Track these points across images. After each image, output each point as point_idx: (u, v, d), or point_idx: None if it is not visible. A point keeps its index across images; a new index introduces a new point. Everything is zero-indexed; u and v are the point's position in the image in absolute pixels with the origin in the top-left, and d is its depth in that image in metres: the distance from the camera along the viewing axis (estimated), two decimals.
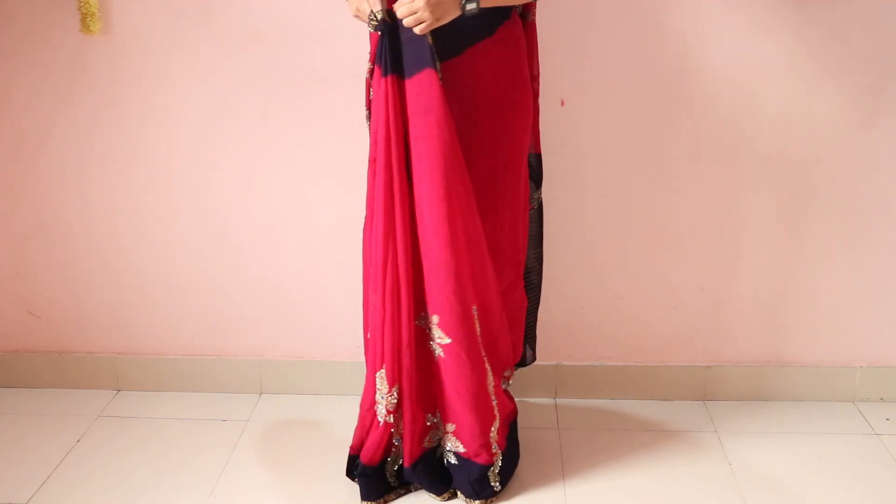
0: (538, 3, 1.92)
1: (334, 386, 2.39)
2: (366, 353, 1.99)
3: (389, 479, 1.99)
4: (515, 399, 2.27)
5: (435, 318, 1.84)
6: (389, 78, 1.74)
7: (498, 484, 1.96)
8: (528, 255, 2.09)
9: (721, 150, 2.21)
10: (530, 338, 2.19)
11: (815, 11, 2.09)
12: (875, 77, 2.13)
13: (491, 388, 1.92)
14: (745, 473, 2.07)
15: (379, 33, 1.73)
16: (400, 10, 1.67)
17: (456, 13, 1.68)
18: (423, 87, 1.74)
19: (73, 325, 2.45)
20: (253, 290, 2.38)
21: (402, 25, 1.69)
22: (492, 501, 1.96)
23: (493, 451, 1.95)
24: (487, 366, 1.91)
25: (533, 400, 2.39)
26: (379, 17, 1.71)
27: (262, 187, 2.29)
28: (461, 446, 1.93)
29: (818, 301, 2.32)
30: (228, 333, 2.42)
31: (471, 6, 1.68)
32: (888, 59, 2.12)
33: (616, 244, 2.30)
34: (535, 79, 1.96)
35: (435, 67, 1.72)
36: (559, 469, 2.09)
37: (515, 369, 2.19)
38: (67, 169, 2.31)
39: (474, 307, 1.86)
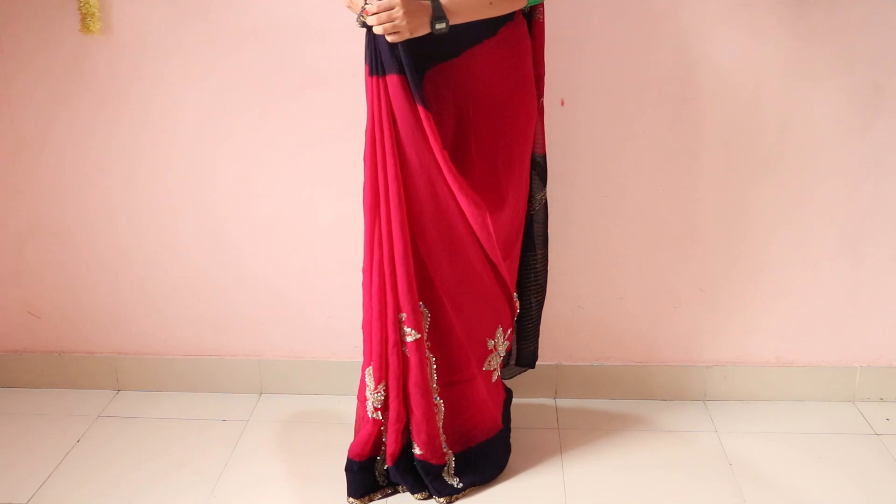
0: (545, 3, 1.91)
1: (334, 386, 2.39)
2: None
3: (378, 479, 2.01)
4: (515, 399, 2.28)
5: (402, 317, 1.87)
6: (375, 78, 1.74)
7: (458, 481, 1.98)
8: (535, 257, 2.08)
9: (721, 150, 2.21)
10: (534, 338, 2.18)
11: (815, 11, 2.08)
12: (875, 77, 2.13)
13: (435, 388, 1.94)
14: (745, 473, 2.07)
15: (365, 29, 1.72)
16: (372, 17, 1.65)
17: (426, 30, 1.68)
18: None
19: (73, 325, 2.45)
20: (253, 290, 2.38)
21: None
22: (456, 498, 1.98)
23: (444, 451, 1.98)
24: (432, 365, 1.93)
25: (533, 400, 2.39)
26: (364, 10, 1.69)
27: (261, 187, 2.29)
28: (418, 448, 1.96)
29: (818, 301, 2.32)
30: (228, 333, 2.42)
31: (440, 26, 1.68)
32: (888, 59, 2.12)
33: (616, 244, 2.30)
34: (539, 78, 1.95)
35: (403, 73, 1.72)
36: (559, 469, 2.09)
37: (520, 368, 2.20)
38: (67, 169, 2.31)
39: (420, 303, 1.88)
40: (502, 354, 2.06)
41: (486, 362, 2.01)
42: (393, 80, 1.73)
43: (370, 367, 1.93)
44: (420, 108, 1.74)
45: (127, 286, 2.40)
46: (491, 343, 2.00)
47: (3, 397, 2.44)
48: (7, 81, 2.25)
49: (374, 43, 1.72)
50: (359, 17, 1.70)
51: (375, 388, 1.93)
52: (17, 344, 2.48)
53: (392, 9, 1.64)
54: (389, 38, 1.67)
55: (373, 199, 1.83)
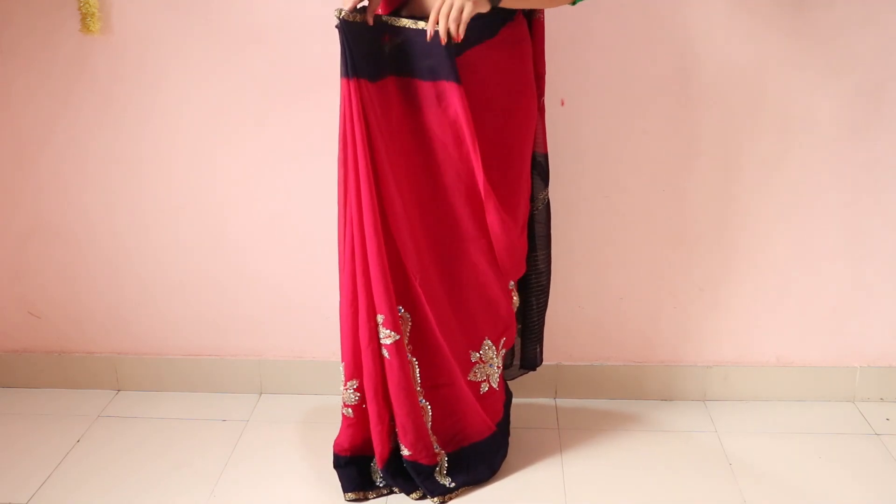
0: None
1: (334, 386, 2.38)
2: None
3: (374, 478, 2.02)
4: (515, 399, 2.28)
5: (379, 318, 1.88)
6: (345, 80, 1.75)
7: (450, 480, 1.98)
8: (537, 258, 2.08)
9: (721, 150, 2.21)
10: (538, 340, 2.18)
11: (816, 11, 2.09)
12: (875, 77, 2.13)
13: (419, 390, 1.95)
14: (745, 473, 2.07)
15: (338, 31, 1.73)
16: (441, 22, 1.64)
17: (487, 7, 1.67)
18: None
19: (73, 325, 2.45)
20: (253, 290, 2.38)
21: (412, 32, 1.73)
22: (450, 497, 1.98)
23: (435, 451, 1.99)
24: (416, 367, 1.94)
25: (533, 400, 2.39)
26: (341, 14, 1.70)
27: (262, 187, 2.29)
28: (405, 449, 1.96)
29: (818, 301, 2.32)
30: (228, 333, 2.42)
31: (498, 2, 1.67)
32: (888, 59, 2.12)
33: (616, 244, 2.30)
34: (540, 77, 1.95)
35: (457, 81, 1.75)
36: (559, 468, 2.09)
37: (523, 370, 2.20)
38: (67, 169, 2.31)
39: (400, 307, 1.89)
40: (496, 365, 2.03)
41: (472, 373, 2.00)
42: (365, 83, 1.75)
43: (343, 364, 1.96)
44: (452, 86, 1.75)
45: (127, 286, 2.40)
46: (475, 356, 1.99)
47: (3, 397, 2.44)
48: (7, 81, 2.25)
49: (346, 45, 1.73)
50: (337, 16, 1.71)
51: (345, 385, 1.96)
52: (17, 344, 2.49)
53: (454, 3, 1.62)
54: (456, 30, 1.64)
55: (343, 200, 1.86)
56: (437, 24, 1.64)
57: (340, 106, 1.80)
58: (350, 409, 1.98)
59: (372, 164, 1.79)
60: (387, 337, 1.88)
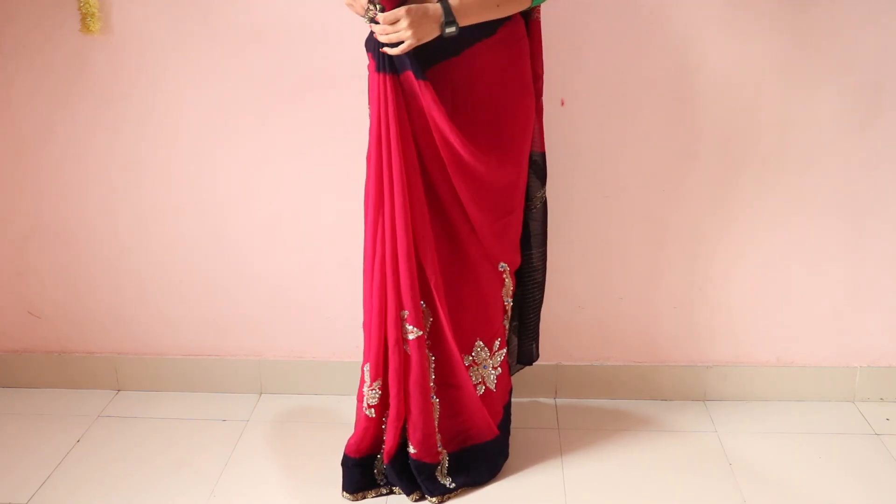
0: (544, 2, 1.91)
1: (334, 386, 2.39)
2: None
3: (376, 477, 2.02)
4: (515, 399, 2.28)
5: (404, 314, 1.88)
6: (382, 75, 1.74)
7: (450, 480, 1.99)
8: (532, 255, 2.08)
9: (721, 150, 2.21)
10: (534, 336, 2.18)
11: (815, 12, 2.09)
12: (875, 77, 2.13)
13: (432, 386, 1.95)
14: (745, 473, 2.07)
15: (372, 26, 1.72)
16: (378, 28, 1.67)
17: (435, 34, 1.70)
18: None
19: (73, 325, 2.45)
20: (253, 290, 2.38)
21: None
22: (448, 498, 1.99)
23: (438, 449, 1.99)
24: (431, 364, 1.94)
25: (533, 400, 2.39)
26: (377, 8, 1.69)
27: (262, 187, 2.29)
28: (412, 447, 1.96)
29: (818, 301, 2.32)
30: (228, 333, 2.42)
31: (450, 29, 1.69)
32: (888, 59, 2.12)
33: (616, 244, 2.30)
34: (538, 77, 1.95)
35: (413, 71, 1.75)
36: (559, 469, 2.09)
37: (519, 365, 2.20)
38: (67, 169, 2.31)
39: (422, 302, 1.89)
40: (490, 367, 2.03)
41: (470, 375, 2.01)
42: (408, 76, 1.74)
43: (368, 364, 1.95)
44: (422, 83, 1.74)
45: (127, 286, 2.40)
46: (468, 359, 1.99)
47: (3, 397, 2.44)
48: (7, 81, 2.25)
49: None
50: (367, 15, 1.70)
51: (371, 385, 1.95)
52: (17, 344, 2.48)
53: (397, 22, 1.65)
54: (391, 51, 1.69)
55: (377, 196, 1.84)
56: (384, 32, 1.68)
57: (374, 102, 1.78)
58: (373, 410, 1.97)
59: (405, 159, 1.79)
60: (410, 333, 1.88)
